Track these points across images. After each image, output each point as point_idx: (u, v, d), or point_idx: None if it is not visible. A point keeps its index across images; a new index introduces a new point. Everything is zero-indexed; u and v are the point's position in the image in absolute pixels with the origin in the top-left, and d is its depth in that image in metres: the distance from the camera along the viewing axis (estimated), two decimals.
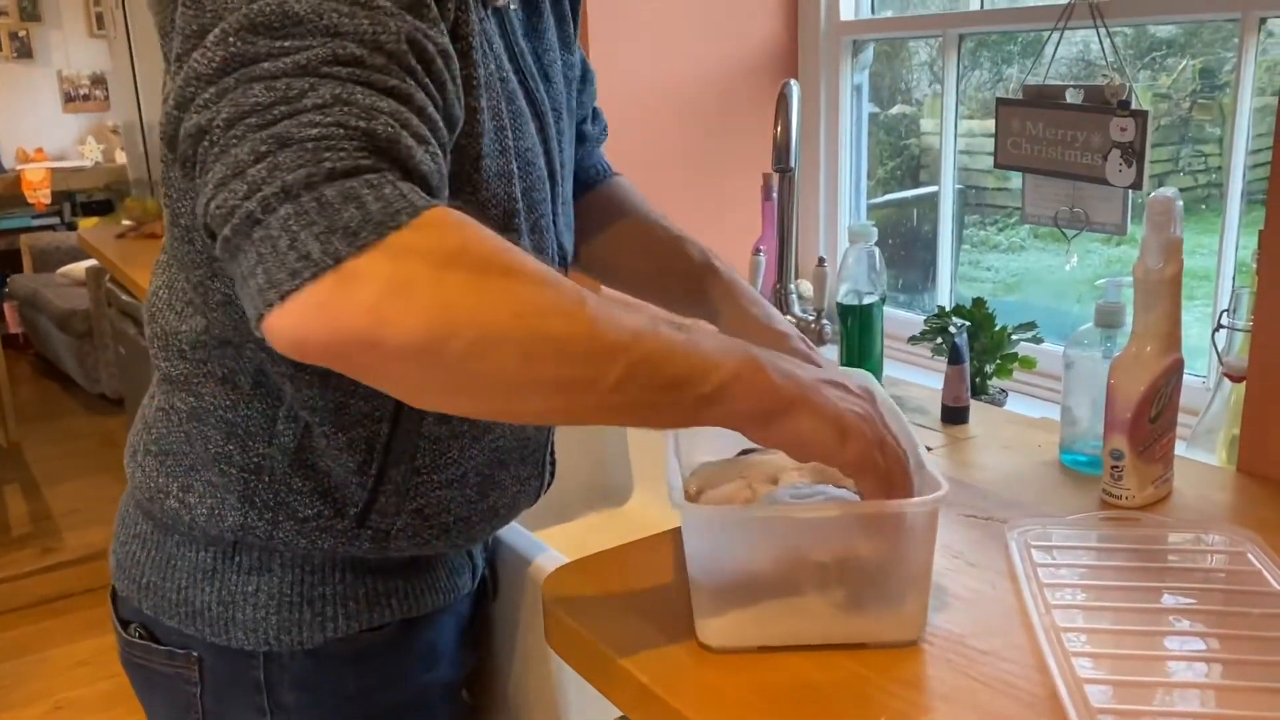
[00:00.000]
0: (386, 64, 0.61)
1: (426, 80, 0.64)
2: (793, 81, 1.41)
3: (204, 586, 0.87)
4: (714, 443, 0.87)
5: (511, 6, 0.87)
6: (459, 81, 0.69)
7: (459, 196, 0.77)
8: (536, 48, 0.91)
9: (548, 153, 0.90)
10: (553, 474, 1.04)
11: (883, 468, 0.72)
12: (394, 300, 0.56)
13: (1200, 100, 1.71)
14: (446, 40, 0.67)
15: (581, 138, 1.10)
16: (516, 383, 0.60)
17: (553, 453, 1.03)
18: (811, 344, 0.99)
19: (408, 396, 0.63)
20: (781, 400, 0.67)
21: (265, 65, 0.59)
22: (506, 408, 0.65)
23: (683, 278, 1.06)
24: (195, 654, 0.89)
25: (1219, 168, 1.72)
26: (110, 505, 0.96)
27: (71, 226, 6.15)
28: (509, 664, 1.09)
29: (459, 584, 0.98)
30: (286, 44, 0.59)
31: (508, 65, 0.85)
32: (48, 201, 6.25)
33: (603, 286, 1.13)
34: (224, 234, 0.58)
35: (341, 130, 0.58)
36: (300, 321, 0.56)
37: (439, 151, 0.64)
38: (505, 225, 0.82)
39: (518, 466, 0.95)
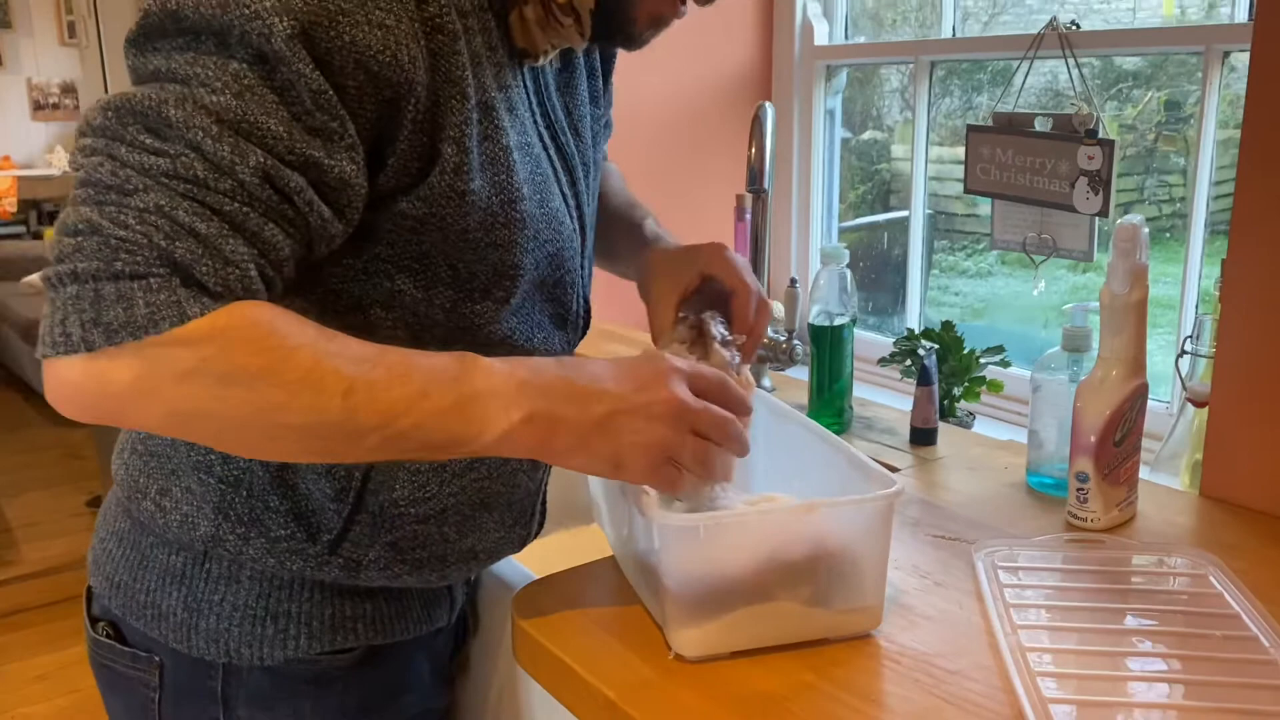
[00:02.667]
0: (231, 189, 0.66)
1: (282, 208, 0.69)
2: (767, 104, 1.42)
3: (171, 590, 0.87)
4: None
5: (548, 65, 0.89)
6: (352, 205, 0.73)
7: (432, 272, 0.79)
8: (569, 103, 0.93)
9: (579, 207, 0.91)
10: (542, 524, 1.02)
11: (677, 473, 0.76)
12: (136, 399, 0.65)
13: (1165, 132, 1.74)
14: (343, 168, 0.70)
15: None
16: (265, 451, 0.72)
17: (544, 503, 1.01)
18: (733, 259, 0.99)
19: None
20: (556, 448, 0.74)
21: (123, 150, 0.65)
22: (267, 455, 0.75)
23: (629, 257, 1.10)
24: (158, 658, 0.89)
25: (1183, 198, 1.76)
26: (71, 518, 0.96)
27: (38, 235, 6.08)
28: (486, 694, 1.08)
29: (434, 616, 0.96)
30: (148, 140, 0.66)
31: (540, 123, 0.87)
32: (13, 210, 6.17)
33: None
34: (48, 267, 0.66)
35: (145, 240, 0.64)
36: (55, 386, 0.65)
37: (262, 274, 0.69)
38: (493, 295, 0.82)
39: (503, 512, 0.94)
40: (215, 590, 0.86)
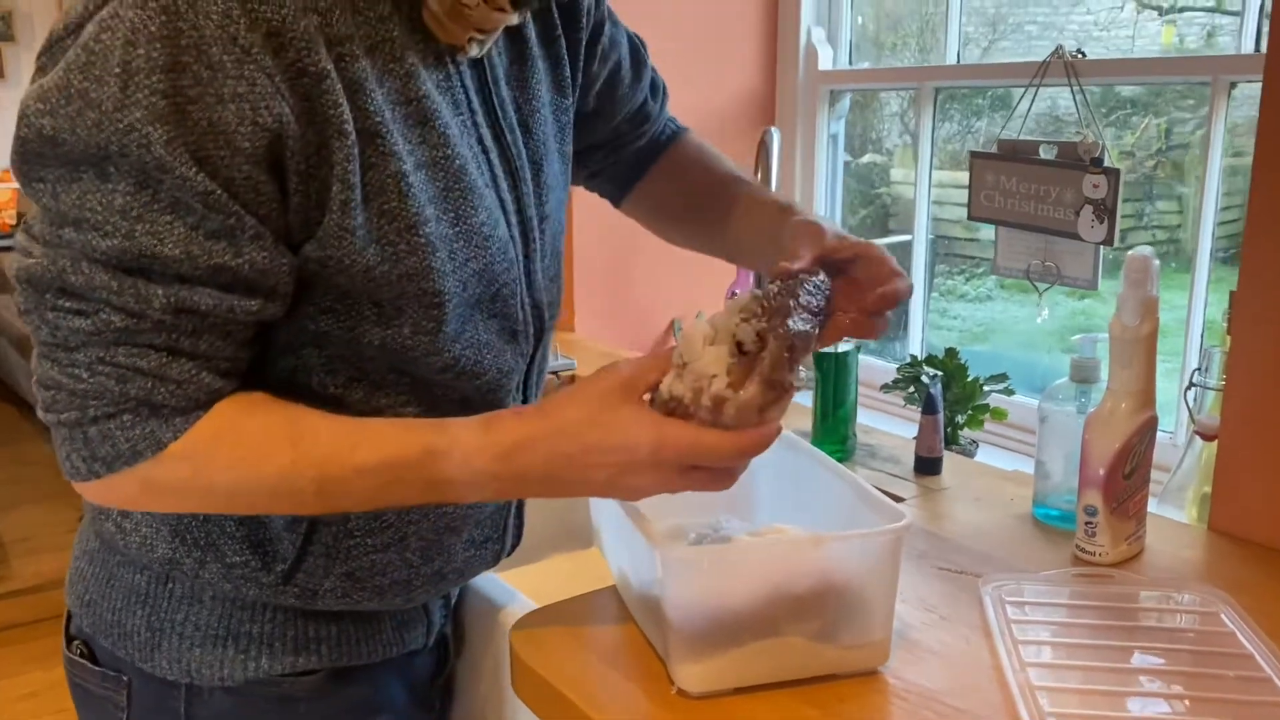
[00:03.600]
0: (153, 327, 0.70)
1: (207, 322, 0.72)
2: (773, 129, 1.42)
3: (136, 610, 0.86)
4: (658, 496, 0.85)
5: (493, 56, 0.85)
6: (281, 283, 0.74)
7: (351, 303, 0.77)
8: (520, 96, 0.89)
9: (521, 210, 0.87)
10: (518, 538, 1.00)
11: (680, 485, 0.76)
12: (143, 504, 0.79)
13: (1164, 159, 1.74)
14: (254, 259, 0.71)
15: (645, 118, 1.07)
16: (255, 515, 0.82)
17: (520, 515, 0.99)
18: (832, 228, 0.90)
19: None
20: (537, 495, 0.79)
21: (50, 315, 0.71)
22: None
23: (723, 217, 1.05)
24: (125, 678, 0.88)
25: (1179, 225, 1.76)
26: (64, 534, 0.96)
27: None
28: (473, 715, 1.06)
29: (407, 638, 0.95)
30: (66, 304, 0.70)
31: (483, 121, 0.83)
32: (12, 223, 6.16)
33: None
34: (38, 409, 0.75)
35: (102, 388, 0.71)
36: (83, 493, 0.77)
37: (218, 372, 0.74)
38: (422, 328, 0.79)
39: (471, 530, 0.92)
40: (178, 610, 0.86)
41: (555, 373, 1.74)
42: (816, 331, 0.75)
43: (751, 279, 1.83)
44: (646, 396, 0.75)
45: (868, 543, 0.79)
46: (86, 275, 0.68)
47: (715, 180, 1.07)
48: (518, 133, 0.87)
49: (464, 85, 0.81)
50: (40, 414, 0.75)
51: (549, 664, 0.84)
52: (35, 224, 0.71)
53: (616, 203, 1.15)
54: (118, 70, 0.64)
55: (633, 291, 2.04)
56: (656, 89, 1.09)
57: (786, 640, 0.78)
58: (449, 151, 0.79)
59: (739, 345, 0.72)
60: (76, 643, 0.92)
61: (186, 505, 0.78)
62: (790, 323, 0.72)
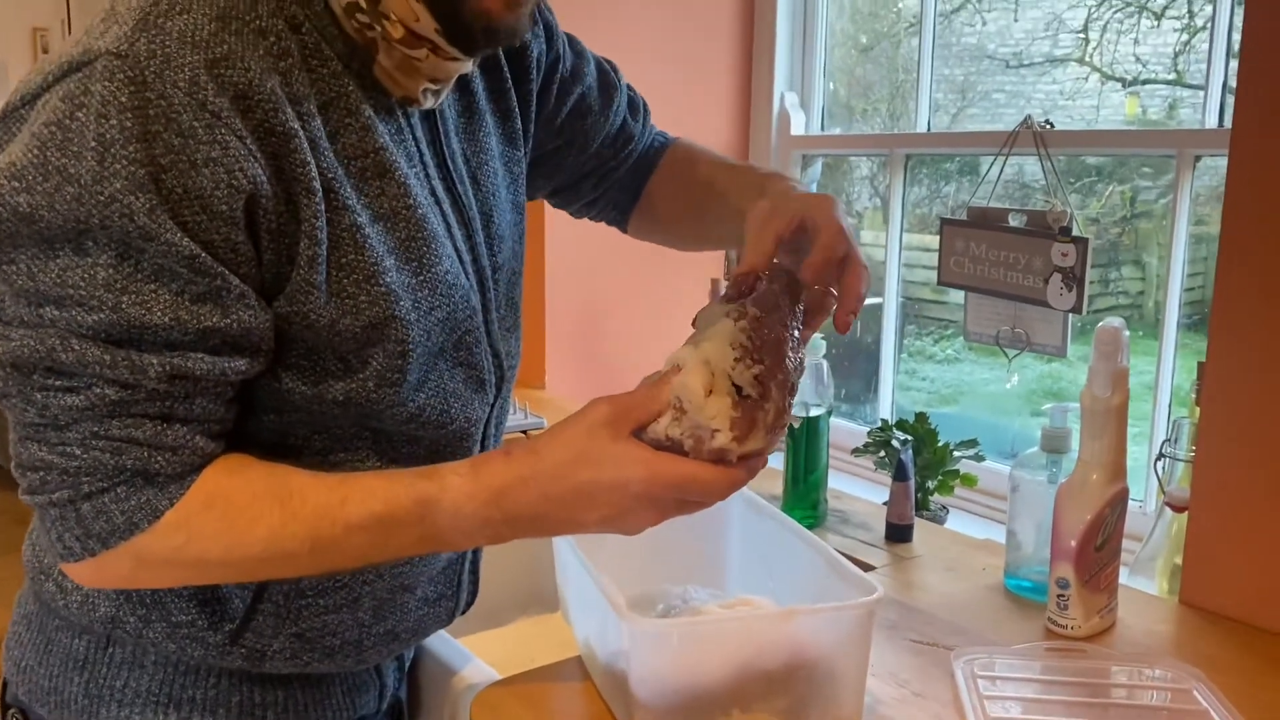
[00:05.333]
0: (148, 397, 0.69)
1: (200, 385, 0.71)
2: None
3: (74, 676, 0.83)
4: (624, 560, 0.83)
5: (444, 108, 0.85)
6: (265, 340, 0.73)
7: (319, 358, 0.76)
8: (469, 149, 0.89)
9: (475, 260, 0.87)
10: (473, 594, 0.98)
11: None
12: (138, 580, 0.76)
13: (1128, 226, 1.76)
14: (241, 319, 0.70)
15: (627, 139, 1.05)
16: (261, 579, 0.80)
17: (475, 570, 0.97)
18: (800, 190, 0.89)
19: None
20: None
21: (38, 396, 0.69)
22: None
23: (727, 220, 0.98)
24: None
25: (1141, 291, 1.78)
26: (16, 586, 0.92)
27: None
28: None
29: (358, 703, 0.92)
30: (55, 382, 0.69)
31: (435, 174, 0.83)
32: None
33: None
34: (21, 493, 0.73)
35: (96, 463, 0.70)
36: (75, 576, 0.75)
37: (210, 434, 0.73)
38: (387, 379, 0.78)
39: (425, 587, 0.90)
40: (118, 676, 0.83)
41: (525, 431, 1.72)
42: (804, 356, 0.76)
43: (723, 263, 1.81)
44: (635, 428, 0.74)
45: (839, 616, 0.77)
46: (77, 352, 0.67)
47: (709, 171, 1.05)
48: (467, 184, 0.87)
49: (415, 137, 0.81)
50: (24, 497, 0.73)
51: None
52: (6, 307, 0.69)
53: (624, 226, 1.13)
54: (93, 144, 0.64)
55: (604, 350, 2.03)
56: (636, 107, 1.07)
57: (754, 717, 0.76)
58: (410, 201, 0.78)
59: (738, 389, 0.71)
60: (12, 711, 0.88)
61: (181, 577, 0.77)
62: (788, 363, 0.73)
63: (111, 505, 0.71)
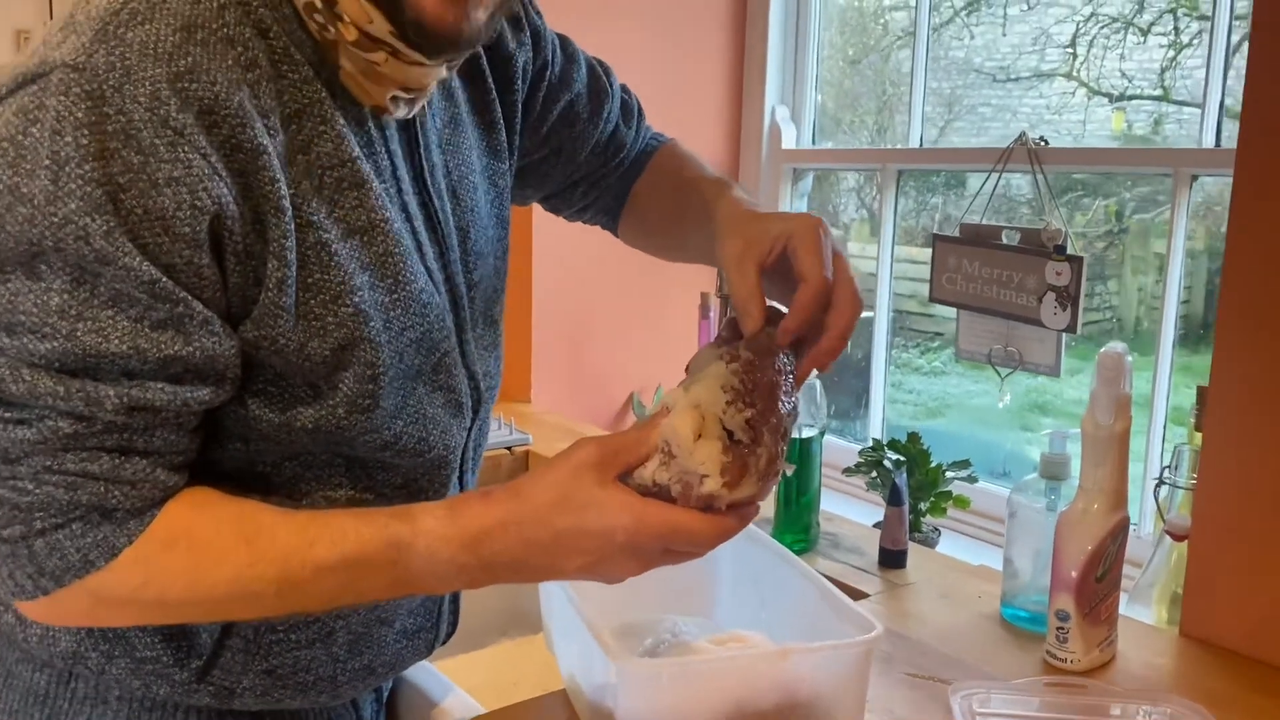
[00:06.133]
0: (104, 429, 0.66)
1: (161, 417, 0.67)
2: None
3: (34, 711, 0.79)
4: (610, 586, 0.79)
5: (426, 119, 0.81)
6: (230, 368, 0.69)
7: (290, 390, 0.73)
8: (450, 161, 0.85)
9: (449, 279, 0.83)
10: (454, 624, 0.94)
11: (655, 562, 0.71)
12: (95, 618, 0.73)
13: (1116, 241, 1.75)
14: (204, 345, 0.67)
15: (619, 146, 1.01)
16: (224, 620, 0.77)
17: (455, 600, 0.94)
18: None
19: None
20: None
21: None
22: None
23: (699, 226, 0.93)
24: None
25: (1116, 305, 1.77)
26: None
27: None
28: None
29: None
30: (7, 414, 0.65)
31: (410, 188, 0.79)
32: None
33: None
34: None
35: (50, 499, 0.66)
36: (29, 613, 0.72)
37: (171, 466, 0.69)
38: (358, 405, 0.74)
39: (404, 620, 0.86)
40: (79, 712, 0.79)
41: (509, 448, 1.69)
42: (798, 400, 0.72)
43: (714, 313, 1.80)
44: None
45: (836, 655, 0.74)
46: (29, 383, 0.64)
47: (686, 183, 0.99)
48: (445, 199, 0.83)
49: (389, 150, 0.77)
50: None
51: None
52: None
53: (616, 233, 1.09)
54: (47, 162, 0.60)
55: (590, 364, 2.00)
56: (630, 111, 1.03)
57: None
58: (385, 214, 0.75)
59: (729, 433, 0.68)
60: None
61: (142, 617, 0.73)
62: (780, 406, 0.69)
63: (66, 542, 0.67)
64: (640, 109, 1.05)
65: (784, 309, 0.75)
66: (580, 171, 1.02)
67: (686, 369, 0.75)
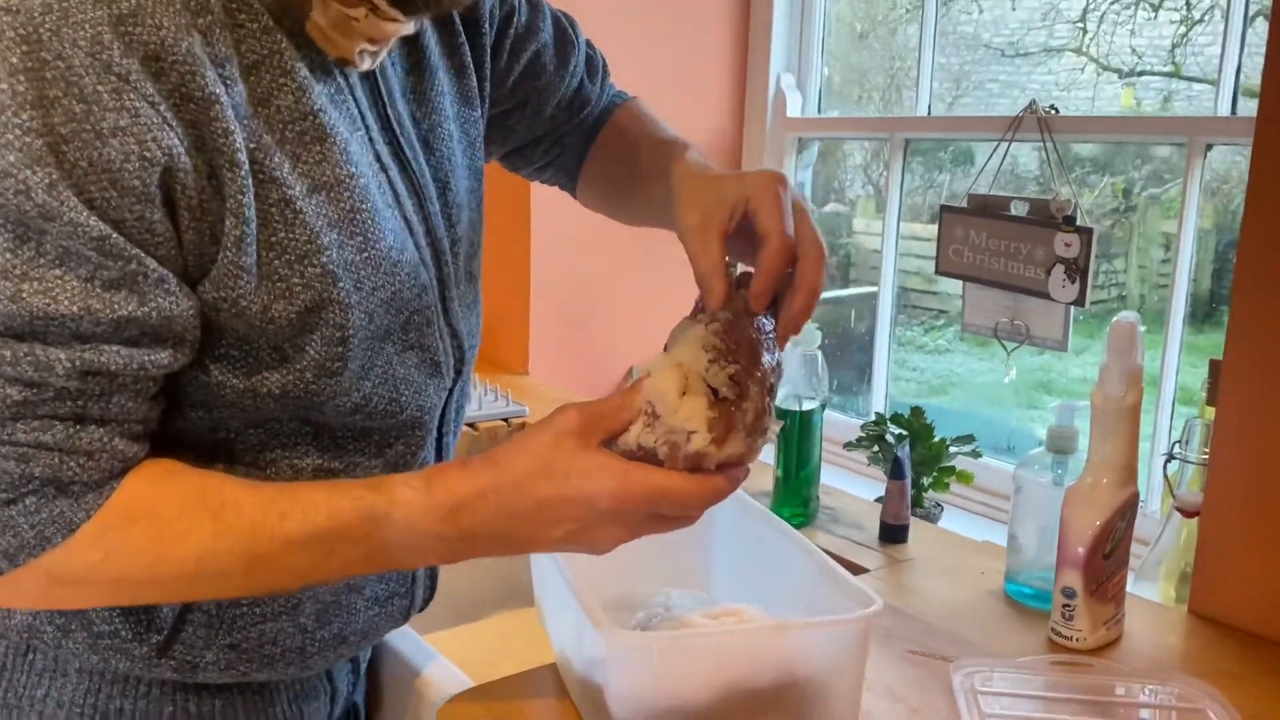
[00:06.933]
0: (56, 396, 0.62)
1: (117, 382, 0.64)
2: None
3: None
4: (602, 560, 0.76)
5: (388, 69, 0.77)
6: (188, 329, 0.66)
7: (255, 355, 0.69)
8: (418, 111, 0.81)
9: (430, 232, 0.79)
10: (431, 589, 0.91)
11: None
12: (51, 600, 0.70)
13: (1121, 219, 1.72)
14: (160, 306, 0.63)
15: (583, 102, 0.98)
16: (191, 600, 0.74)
17: (432, 565, 0.90)
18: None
19: None
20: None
21: None
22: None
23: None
24: None
25: (1122, 283, 1.74)
26: None
27: None
28: None
29: (306, 711, 0.85)
30: None
31: (380, 139, 0.76)
32: None
33: None
34: None
35: (2, 472, 0.62)
36: None
37: (130, 436, 0.66)
38: (327, 368, 0.71)
39: (375, 586, 0.83)
40: (39, 684, 0.76)
41: (506, 419, 1.66)
42: (781, 358, 0.70)
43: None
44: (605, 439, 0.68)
45: (835, 631, 0.71)
46: None
47: (644, 142, 0.96)
48: (418, 148, 0.80)
49: (355, 99, 0.74)
50: None
51: None
52: None
53: (574, 194, 1.06)
54: None
55: (590, 335, 1.97)
56: (595, 67, 1.00)
57: None
58: (352, 170, 0.71)
59: (714, 391, 0.66)
60: None
61: (101, 598, 0.70)
62: (765, 361, 0.67)
63: (19, 518, 0.63)
64: (605, 65, 1.02)
65: (752, 270, 0.73)
66: (544, 127, 0.98)
67: (665, 347, 0.72)
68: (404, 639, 0.96)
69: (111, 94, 0.58)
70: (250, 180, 0.65)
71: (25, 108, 0.57)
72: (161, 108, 0.60)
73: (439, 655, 0.95)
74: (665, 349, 0.72)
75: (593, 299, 1.94)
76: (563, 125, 0.99)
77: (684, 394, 0.65)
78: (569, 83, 0.97)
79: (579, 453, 0.66)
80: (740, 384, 0.65)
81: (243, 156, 0.64)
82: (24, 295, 0.59)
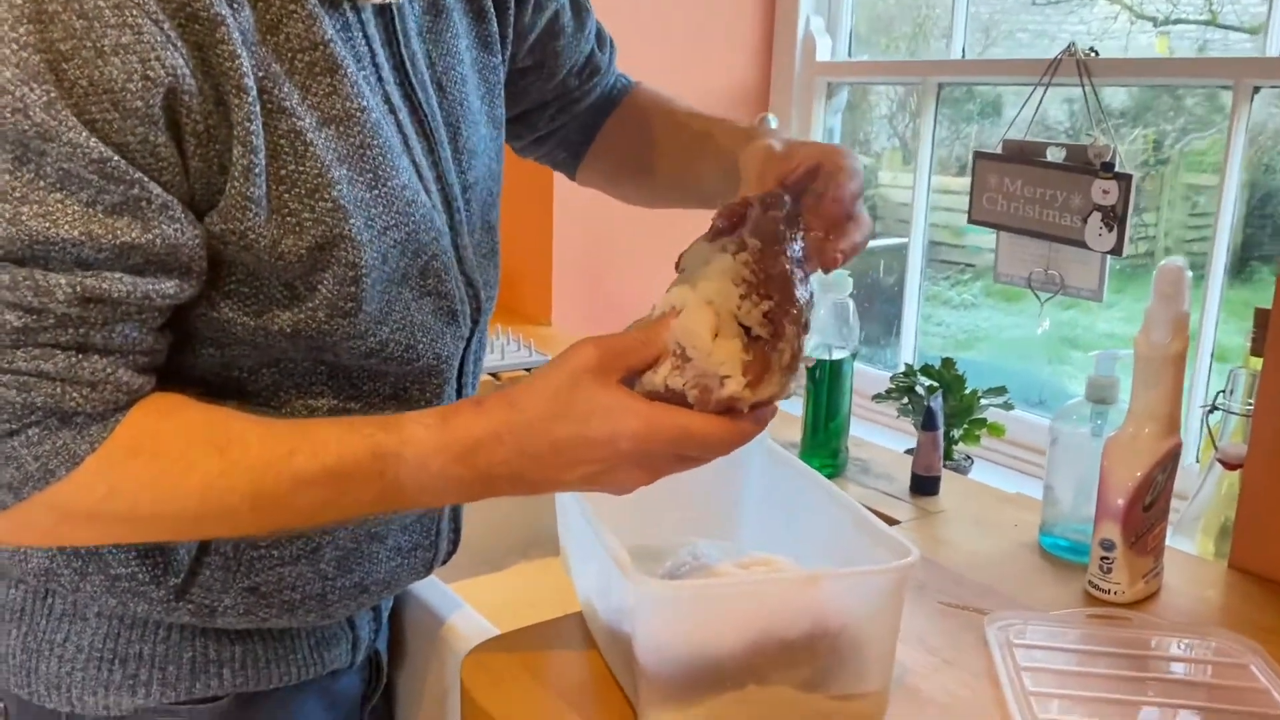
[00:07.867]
0: (57, 323, 0.61)
1: (120, 309, 0.62)
2: (770, 115, 1.32)
3: (10, 628, 0.77)
4: (628, 507, 0.74)
5: (405, 6, 0.75)
6: (195, 259, 0.64)
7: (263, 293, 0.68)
8: (434, 53, 0.78)
9: (440, 177, 0.77)
10: (455, 542, 0.90)
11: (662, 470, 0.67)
12: (58, 536, 0.68)
13: (1153, 171, 1.67)
14: (164, 233, 0.61)
15: (595, 69, 0.98)
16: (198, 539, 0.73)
17: (455, 516, 0.89)
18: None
19: None
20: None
21: None
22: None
23: (714, 159, 0.90)
24: (3, 704, 0.79)
25: (1153, 236, 1.69)
26: None
27: None
28: None
29: (326, 658, 0.84)
30: None
31: (391, 78, 0.73)
32: None
33: None
34: None
35: (2, 402, 0.61)
36: None
37: (135, 367, 0.64)
38: (340, 308, 0.69)
39: (398, 536, 0.82)
40: (58, 629, 0.76)
41: (529, 369, 1.65)
42: (814, 288, 0.67)
43: None
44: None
45: (869, 582, 0.69)
46: None
47: (679, 120, 0.95)
48: (430, 91, 0.77)
49: (366, 35, 0.71)
50: None
51: (504, 703, 0.75)
52: None
53: (572, 172, 1.04)
54: None
55: (613, 285, 1.94)
56: (604, 39, 0.99)
57: (772, 689, 0.69)
58: (362, 103, 0.68)
59: (746, 330, 0.63)
60: None
61: (107, 534, 0.68)
62: (798, 294, 0.63)
63: (22, 450, 0.62)
64: (613, 44, 1.00)
65: (782, 191, 0.70)
66: (555, 91, 0.96)
67: (677, 266, 0.69)
68: (429, 587, 0.96)
69: (113, 10, 0.56)
70: (258, 108, 0.63)
71: (22, 21, 0.55)
72: (165, 26, 0.58)
73: (464, 603, 0.94)
74: (678, 270, 0.69)
75: (616, 249, 1.92)
76: (574, 91, 0.97)
77: (716, 335, 0.63)
78: (583, 47, 0.95)
79: (599, 391, 0.63)
80: (775, 322, 0.62)
81: (250, 82, 0.62)
82: (23, 218, 0.58)
